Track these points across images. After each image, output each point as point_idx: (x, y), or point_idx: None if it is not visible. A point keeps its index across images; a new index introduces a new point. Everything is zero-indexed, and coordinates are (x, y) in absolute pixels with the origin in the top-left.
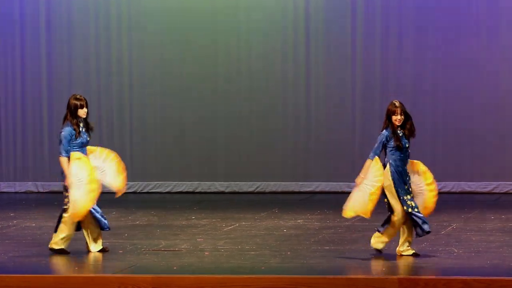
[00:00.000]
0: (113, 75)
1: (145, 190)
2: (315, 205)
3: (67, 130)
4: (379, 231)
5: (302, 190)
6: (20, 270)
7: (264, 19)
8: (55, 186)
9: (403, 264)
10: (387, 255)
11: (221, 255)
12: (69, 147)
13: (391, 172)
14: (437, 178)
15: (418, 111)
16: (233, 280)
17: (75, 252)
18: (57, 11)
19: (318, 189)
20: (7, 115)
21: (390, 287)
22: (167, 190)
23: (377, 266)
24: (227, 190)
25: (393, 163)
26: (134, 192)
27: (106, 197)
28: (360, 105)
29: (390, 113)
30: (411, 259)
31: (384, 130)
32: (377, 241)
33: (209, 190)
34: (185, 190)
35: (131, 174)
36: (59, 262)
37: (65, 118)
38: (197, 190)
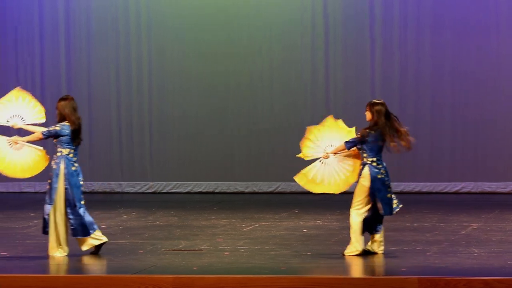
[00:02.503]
0: (133, 74)
1: (164, 190)
2: (335, 206)
3: None
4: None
5: None
6: (42, 270)
7: (283, 18)
8: None
9: (423, 264)
10: (406, 255)
11: (241, 255)
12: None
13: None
14: (457, 178)
15: (438, 113)
16: (253, 280)
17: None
18: (76, 10)
19: None
20: None
21: (410, 287)
22: (186, 190)
23: (397, 266)
24: (246, 191)
25: (373, 165)
26: (154, 193)
27: (126, 198)
28: None
29: (387, 112)
30: (432, 259)
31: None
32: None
33: (228, 191)
34: (205, 190)
35: (151, 175)
36: (80, 262)
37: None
38: (217, 190)
